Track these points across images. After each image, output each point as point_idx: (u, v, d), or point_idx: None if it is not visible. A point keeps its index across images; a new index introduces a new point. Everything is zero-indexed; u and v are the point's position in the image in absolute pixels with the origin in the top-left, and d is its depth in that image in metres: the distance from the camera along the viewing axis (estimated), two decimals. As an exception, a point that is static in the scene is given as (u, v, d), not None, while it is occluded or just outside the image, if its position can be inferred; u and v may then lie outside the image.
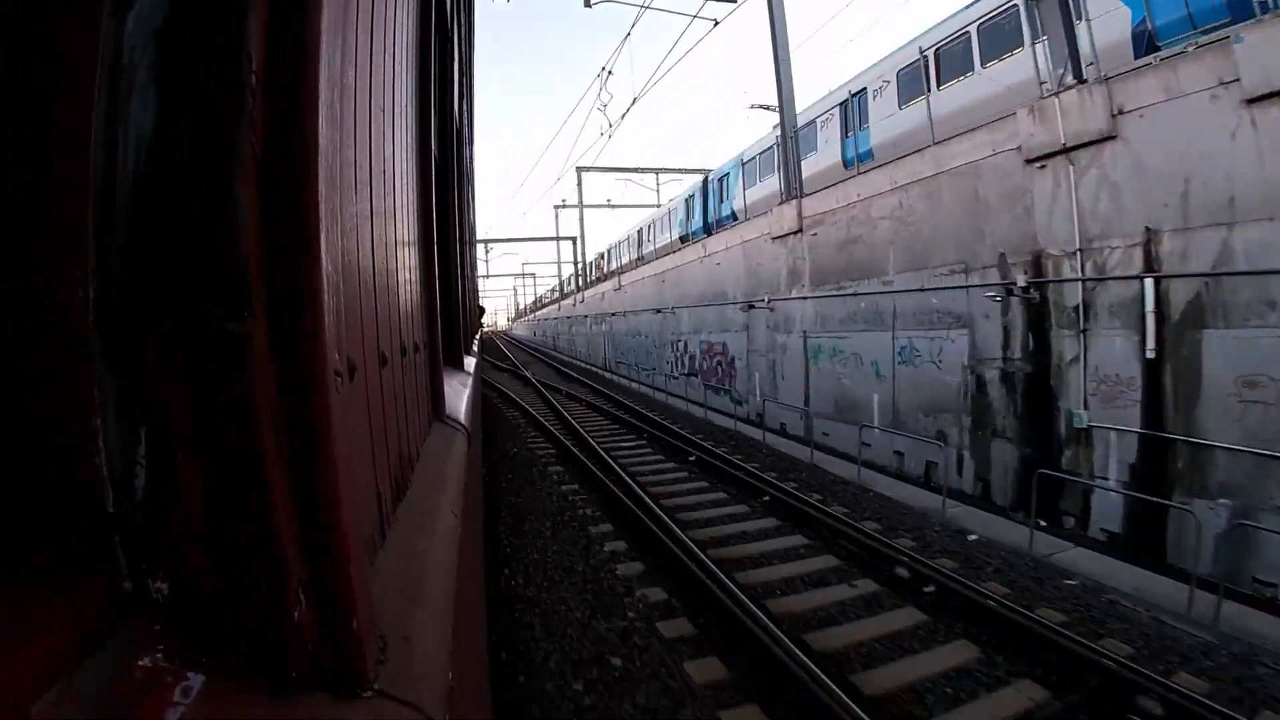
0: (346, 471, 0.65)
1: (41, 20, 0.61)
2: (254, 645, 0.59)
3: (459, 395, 2.91)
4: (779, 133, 19.16)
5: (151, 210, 0.59)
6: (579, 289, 48.98)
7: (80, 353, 0.57)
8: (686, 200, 32.37)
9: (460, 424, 2.27)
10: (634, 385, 27.03)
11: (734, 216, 25.57)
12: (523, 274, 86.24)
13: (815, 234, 15.97)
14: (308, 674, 0.60)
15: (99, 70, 0.60)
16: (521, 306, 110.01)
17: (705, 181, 30.01)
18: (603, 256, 51.43)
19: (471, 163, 11.76)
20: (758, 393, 18.69)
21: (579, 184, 45.65)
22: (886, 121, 16.83)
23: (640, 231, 41.07)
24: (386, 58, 1.40)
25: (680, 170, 45.78)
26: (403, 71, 1.72)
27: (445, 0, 4.20)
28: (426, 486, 1.41)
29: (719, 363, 21.85)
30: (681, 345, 25.55)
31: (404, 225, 1.69)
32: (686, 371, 24.78)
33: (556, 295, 66.90)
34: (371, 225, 1.17)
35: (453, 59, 4.58)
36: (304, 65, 0.63)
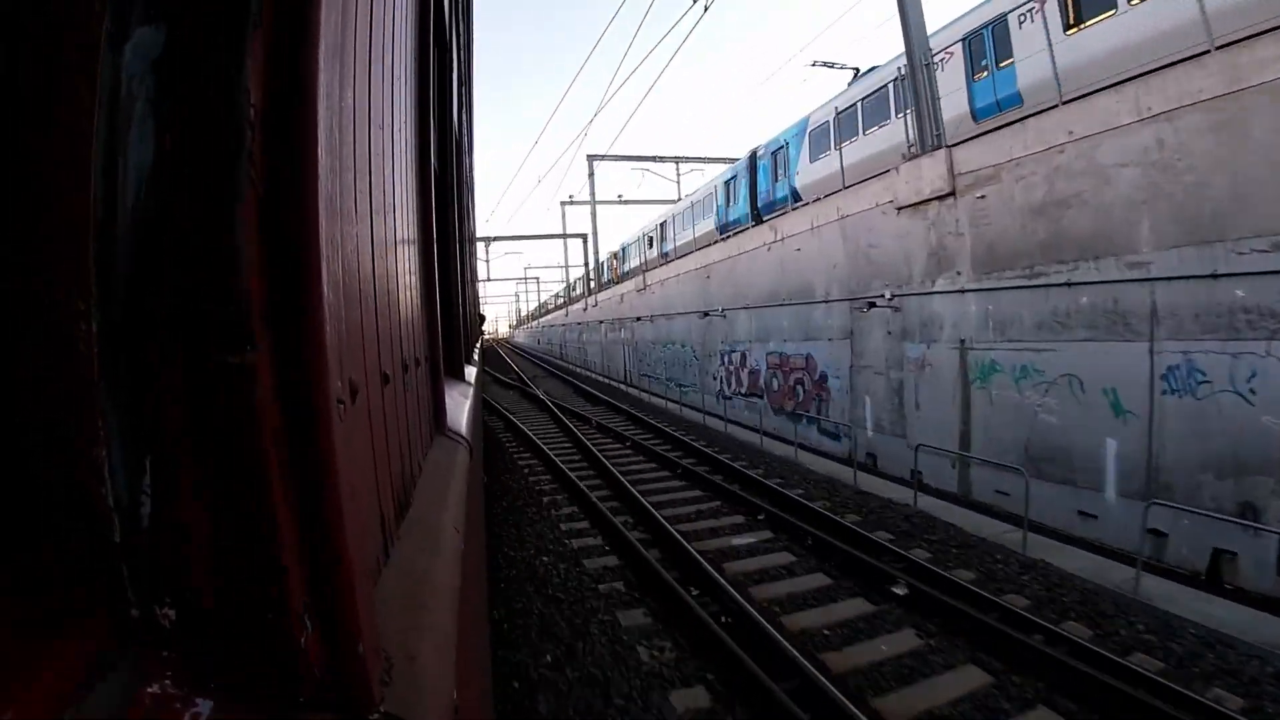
0: (350, 495, 0.66)
1: (40, 52, 0.62)
2: (261, 671, 0.59)
3: (460, 407, 2.92)
4: (899, 67, 14.04)
5: (153, 244, 0.59)
6: (591, 291, 44.75)
7: (85, 386, 0.58)
8: (726, 184, 26.69)
9: (462, 437, 2.27)
10: (669, 405, 22.11)
11: (795, 197, 20.54)
12: (525, 278, 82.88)
13: (983, 196, 10.90)
14: (315, 698, 0.61)
15: (98, 102, 0.61)
16: (524, 312, 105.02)
17: (752, 157, 24.38)
18: (616, 256, 46.75)
19: (471, 171, 11.79)
20: (869, 424, 13.87)
21: (590, 174, 40.88)
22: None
23: (663, 225, 35.47)
24: (385, 76, 1.41)
25: (704, 159, 40.84)
26: (401, 87, 1.73)
27: (444, 11, 4.23)
28: (429, 503, 1.42)
29: (799, 382, 16.83)
30: (735, 358, 20.62)
31: (405, 240, 1.70)
32: (745, 391, 19.81)
33: (563, 300, 62.86)
34: (372, 245, 1.17)
35: (451, 69, 4.60)
36: (302, 96, 0.64)
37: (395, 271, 1.48)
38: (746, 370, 19.83)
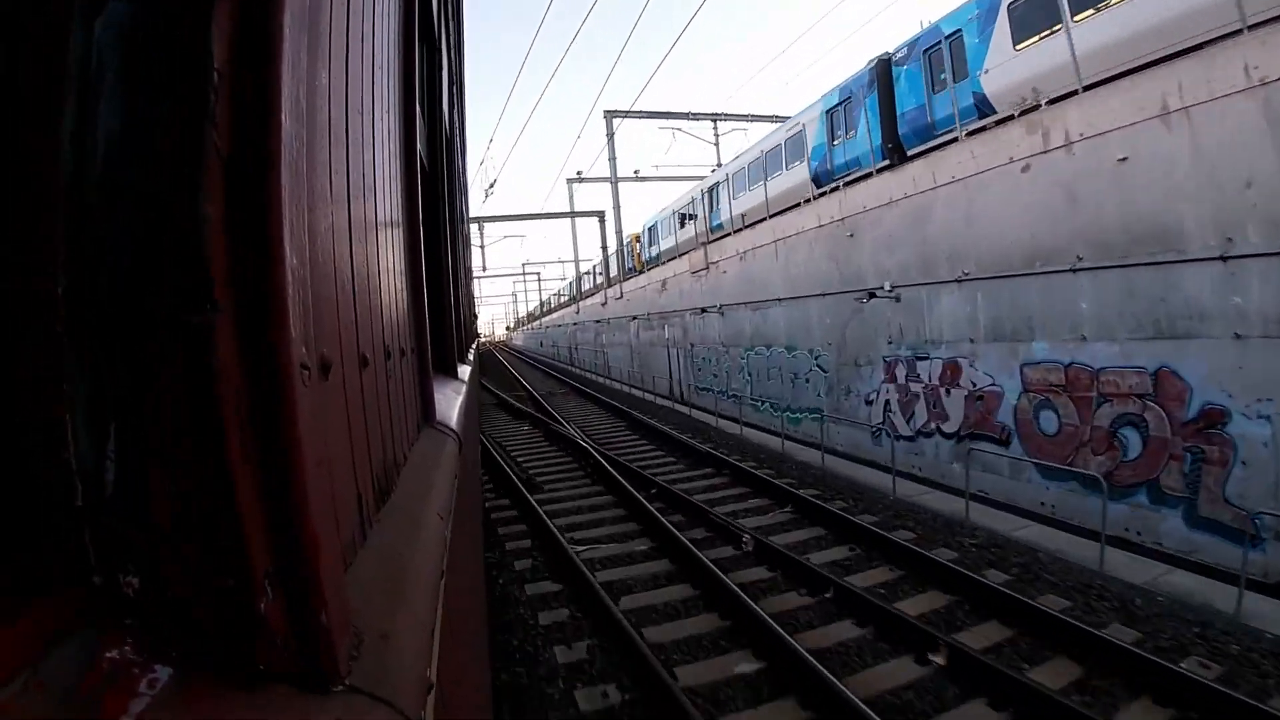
0: (316, 466, 0.65)
1: (12, 28, 0.62)
2: (222, 638, 0.59)
3: (451, 402, 2.91)
4: None
5: (121, 208, 0.59)
6: (612, 281, 35.76)
7: (50, 348, 0.58)
8: (828, 113, 18.01)
9: (451, 429, 2.27)
10: (765, 439, 14.83)
11: (982, 109, 12.56)
12: (524, 274, 74.75)
13: None
14: (276, 667, 0.60)
15: (68, 75, 0.61)
16: (523, 313, 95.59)
17: (883, 65, 15.89)
18: (638, 239, 36.65)
19: (464, 175, 11.78)
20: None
21: (609, 135, 31.96)
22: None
23: (713, 189, 25.80)
24: (364, 63, 1.41)
25: (750, 117, 32.20)
26: (384, 77, 1.73)
27: (432, 11, 4.23)
28: (412, 490, 1.41)
29: (1131, 421, 8.99)
30: (928, 370, 12.66)
31: (388, 230, 1.70)
32: (957, 430, 11.98)
33: (570, 295, 52.48)
34: (349, 227, 1.17)
35: (441, 69, 4.60)
36: (266, 61, 0.64)
37: (377, 259, 1.47)
38: (958, 392, 11.97)
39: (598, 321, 37.33)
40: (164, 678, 0.56)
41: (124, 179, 0.60)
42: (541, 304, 73.16)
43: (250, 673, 0.59)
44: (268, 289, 0.59)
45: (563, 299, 60.13)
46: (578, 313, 44.53)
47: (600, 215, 41.04)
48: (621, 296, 32.06)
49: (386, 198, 1.71)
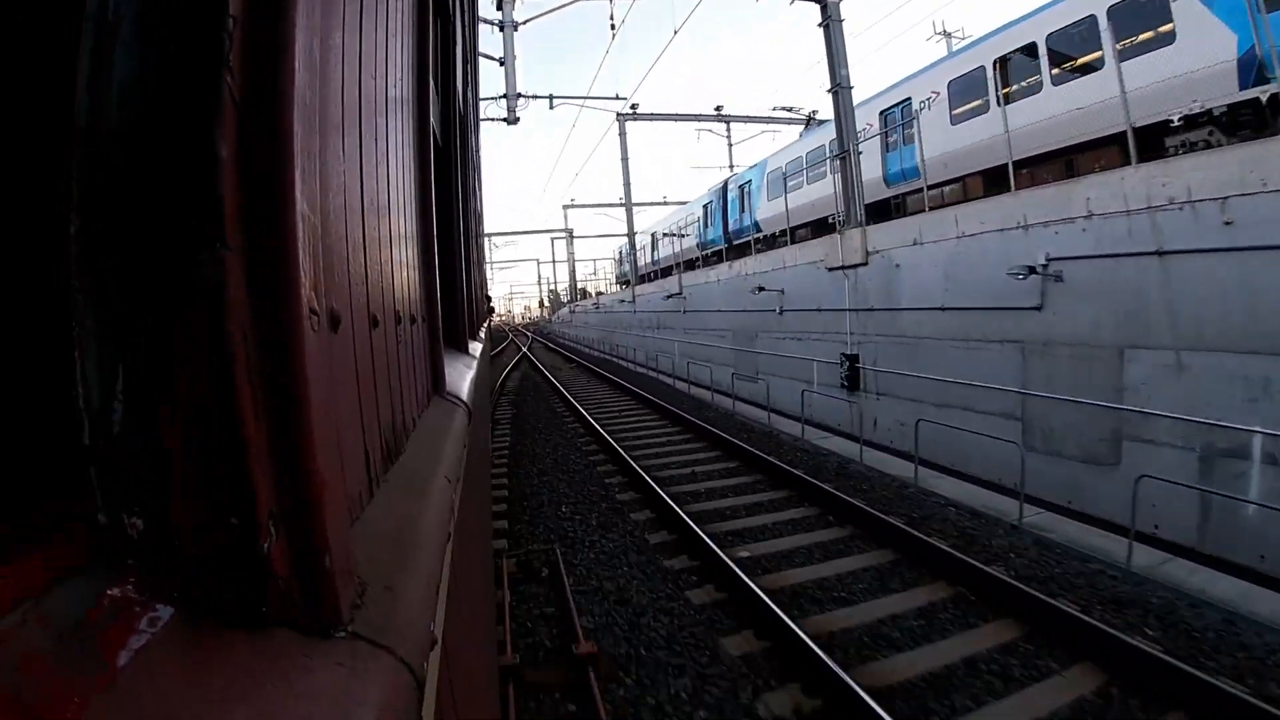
0: (323, 415, 0.66)
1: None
2: (225, 580, 0.59)
3: (461, 375, 2.93)
4: None
5: (134, 150, 0.59)
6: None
7: (60, 287, 0.58)
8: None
9: (461, 400, 2.28)
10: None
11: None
12: (569, 233, 59.72)
13: None
14: (279, 612, 0.61)
15: (86, 17, 0.61)
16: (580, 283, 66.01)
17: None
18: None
19: (477, 153, 11.75)
20: None
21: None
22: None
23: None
24: (378, 29, 1.40)
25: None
26: (398, 46, 1.72)
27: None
28: (421, 454, 1.42)
29: None
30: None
31: (400, 197, 1.70)
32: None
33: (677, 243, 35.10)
34: (363, 192, 1.17)
35: (455, 43, 4.59)
36: (282, 11, 0.64)
37: (389, 224, 1.47)
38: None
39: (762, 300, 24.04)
40: (165, 616, 0.56)
41: (138, 119, 0.60)
42: (653, 261, 42.59)
43: (252, 615, 0.60)
44: (279, 231, 0.59)
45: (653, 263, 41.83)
46: (676, 286, 29.22)
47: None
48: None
49: (399, 166, 1.71)
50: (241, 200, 0.57)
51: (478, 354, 4.66)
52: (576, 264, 66.61)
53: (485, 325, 14.51)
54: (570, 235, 58.58)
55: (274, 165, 0.59)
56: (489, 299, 20.47)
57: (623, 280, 48.02)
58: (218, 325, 0.56)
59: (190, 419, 0.57)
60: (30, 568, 0.54)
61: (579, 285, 67.51)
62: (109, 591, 0.55)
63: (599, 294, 55.51)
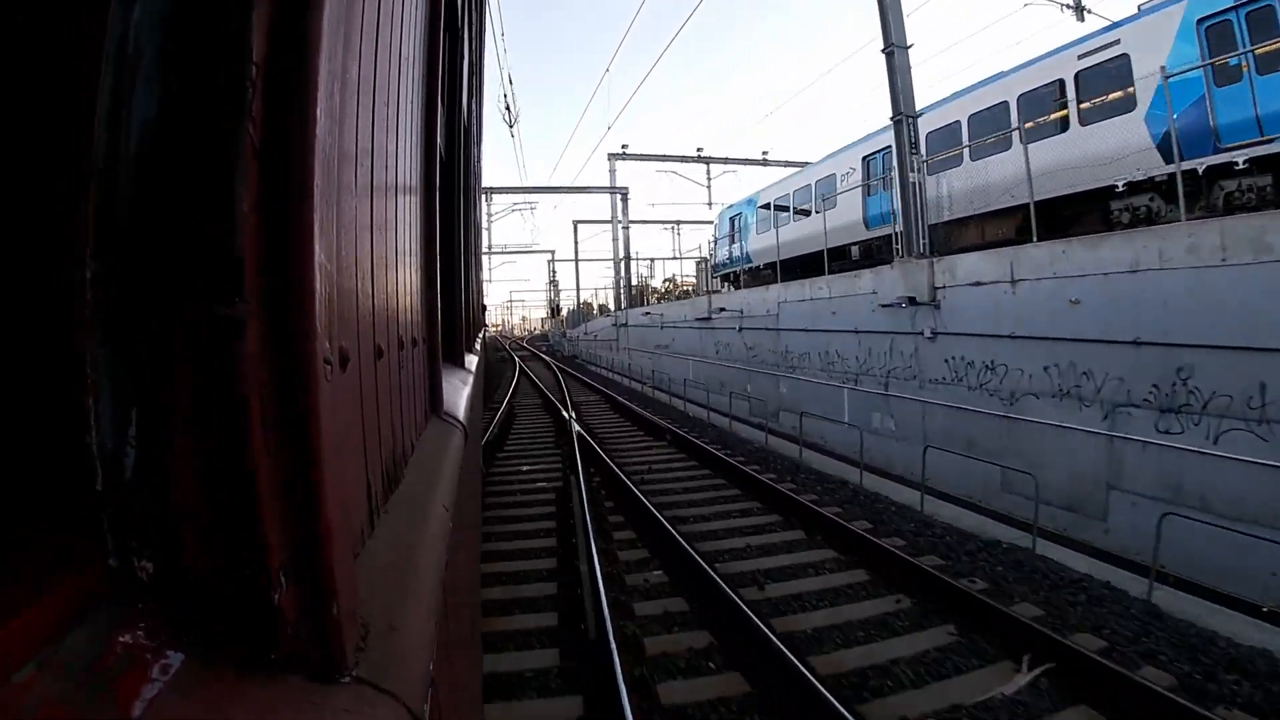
0: (333, 458, 0.66)
1: (52, 5, 0.62)
2: (234, 626, 0.59)
3: (458, 392, 2.92)
4: None
5: (152, 195, 0.60)
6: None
7: (77, 332, 0.58)
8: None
9: (458, 420, 2.28)
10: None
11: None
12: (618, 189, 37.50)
13: None
14: (287, 657, 0.61)
15: (105, 55, 0.61)
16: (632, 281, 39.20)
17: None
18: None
19: (479, 162, 11.77)
20: None
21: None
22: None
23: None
24: (392, 54, 1.41)
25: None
26: (409, 68, 1.73)
27: (455, 1, 4.23)
28: (420, 480, 1.42)
29: None
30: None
31: (407, 220, 1.70)
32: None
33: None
34: (371, 219, 1.18)
35: (462, 58, 4.60)
36: (304, 58, 0.64)
37: (395, 249, 1.48)
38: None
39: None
40: (176, 663, 0.56)
41: (157, 164, 0.60)
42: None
43: (261, 661, 0.60)
44: (297, 284, 0.59)
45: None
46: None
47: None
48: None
49: (407, 189, 1.72)
50: (261, 254, 0.58)
51: (474, 367, 4.66)
52: (582, 282, 50.50)
53: (480, 336, 14.49)
54: (624, 195, 37.98)
55: (294, 218, 0.60)
56: (484, 309, 20.44)
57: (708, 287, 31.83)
58: (232, 377, 0.57)
59: (202, 467, 0.58)
60: (43, 612, 0.54)
61: (635, 284, 42.04)
62: (120, 638, 0.55)
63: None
